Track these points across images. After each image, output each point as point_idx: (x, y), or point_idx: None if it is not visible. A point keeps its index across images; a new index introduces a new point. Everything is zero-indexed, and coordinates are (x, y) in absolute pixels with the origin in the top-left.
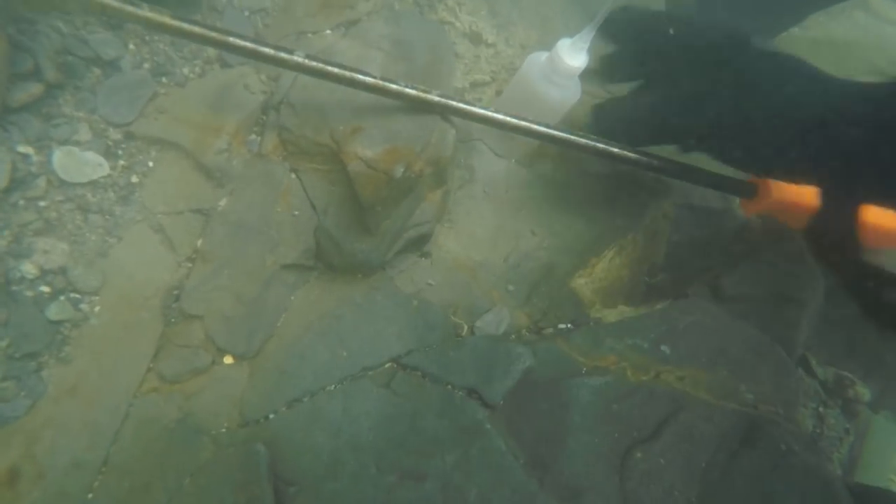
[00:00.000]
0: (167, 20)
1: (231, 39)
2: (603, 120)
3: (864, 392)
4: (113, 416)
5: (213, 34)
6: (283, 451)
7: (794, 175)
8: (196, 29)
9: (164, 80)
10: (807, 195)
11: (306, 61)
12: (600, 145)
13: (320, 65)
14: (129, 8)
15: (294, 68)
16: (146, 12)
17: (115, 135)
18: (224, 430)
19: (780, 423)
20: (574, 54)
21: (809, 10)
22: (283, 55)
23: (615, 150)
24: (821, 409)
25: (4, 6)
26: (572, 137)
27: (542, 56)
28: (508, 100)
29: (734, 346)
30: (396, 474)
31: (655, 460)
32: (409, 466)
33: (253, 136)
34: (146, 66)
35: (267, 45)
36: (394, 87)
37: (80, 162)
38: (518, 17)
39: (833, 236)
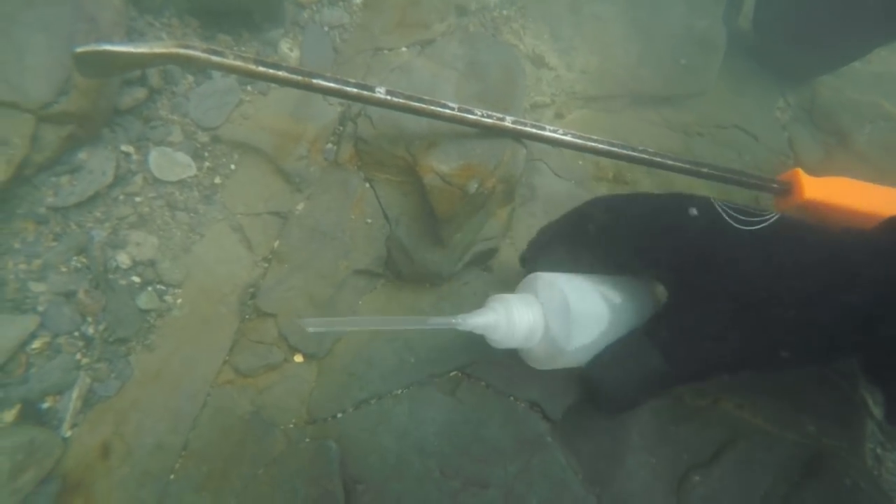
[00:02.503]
0: (252, 67)
1: (315, 81)
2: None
3: None
4: (192, 404)
5: (298, 77)
6: (351, 450)
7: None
8: (281, 74)
9: (248, 88)
10: (836, 191)
11: (389, 97)
12: (657, 159)
13: (402, 100)
14: (216, 58)
15: (377, 104)
16: (232, 61)
17: (202, 138)
18: (292, 425)
19: (844, 457)
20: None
21: (874, 45)
22: (366, 93)
23: (668, 161)
24: (878, 450)
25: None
26: (635, 153)
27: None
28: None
29: (795, 378)
30: (460, 480)
31: (713, 485)
32: (473, 473)
33: (329, 146)
34: (233, 74)
35: (349, 83)
36: (471, 117)
37: (171, 162)
38: (580, 43)
39: None
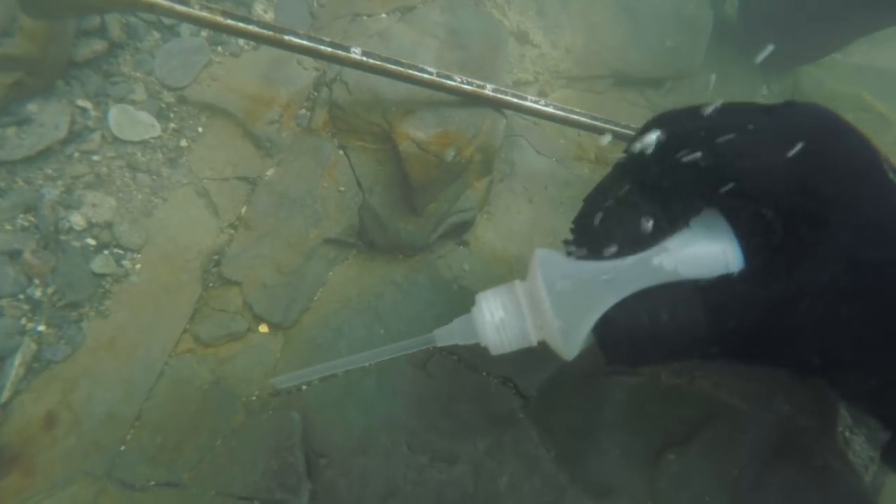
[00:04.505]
0: (219, 19)
1: (287, 38)
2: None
3: None
4: (148, 373)
5: (268, 33)
6: (315, 423)
7: None
8: (251, 28)
9: (219, 49)
10: None
11: (364, 59)
12: None
13: (378, 62)
14: (180, 7)
15: (352, 65)
16: (197, 11)
17: (168, 98)
18: (254, 397)
19: (816, 437)
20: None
21: (854, 36)
22: (341, 53)
23: None
24: (847, 433)
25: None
26: (618, 129)
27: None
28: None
29: None
30: (428, 455)
31: (688, 463)
32: (442, 448)
33: (303, 111)
34: (203, 33)
35: (324, 42)
36: (450, 83)
37: (133, 121)
38: (566, 21)
39: None
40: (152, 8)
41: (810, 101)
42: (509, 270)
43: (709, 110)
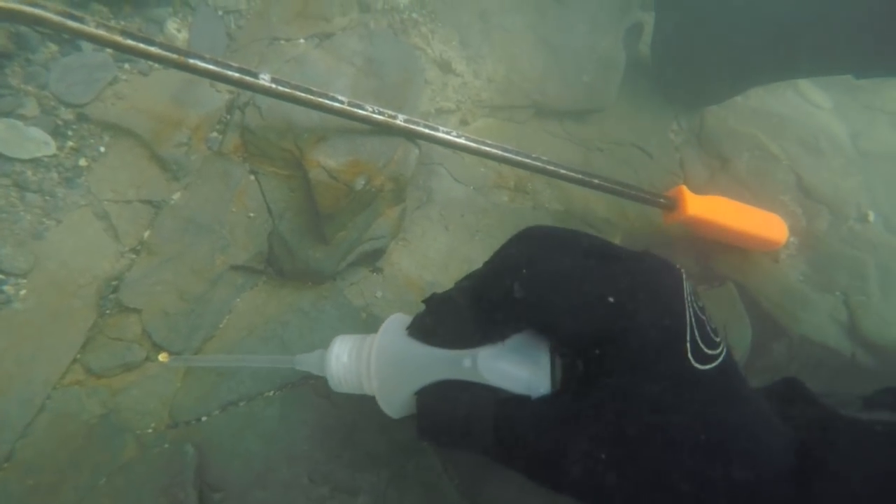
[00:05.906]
0: (118, 39)
1: (192, 62)
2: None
3: None
4: (25, 409)
5: (173, 56)
6: (213, 455)
7: None
8: (153, 50)
9: (126, 66)
10: (714, 209)
11: (273, 85)
12: (550, 167)
13: (288, 89)
14: (72, 23)
15: (261, 91)
16: (92, 29)
17: (66, 114)
18: (150, 430)
19: None
20: None
21: (751, 84)
22: (249, 79)
23: (562, 170)
24: None
25: None
26: (529, 160)
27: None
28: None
29: None
30: (329, 486)
31: None
32: (343, 479)
33: (214, 134)
34: (108, 49)
35: (231, 67)
36: (361, 112)
37: (22, 137)
38: (488, 52)
39: None
40: (39, 21)
41: (658, 259)
42: (423, 297)
43: (554, 244)
